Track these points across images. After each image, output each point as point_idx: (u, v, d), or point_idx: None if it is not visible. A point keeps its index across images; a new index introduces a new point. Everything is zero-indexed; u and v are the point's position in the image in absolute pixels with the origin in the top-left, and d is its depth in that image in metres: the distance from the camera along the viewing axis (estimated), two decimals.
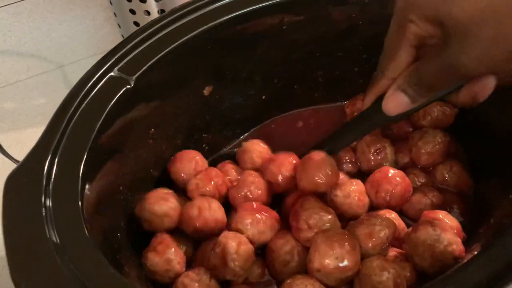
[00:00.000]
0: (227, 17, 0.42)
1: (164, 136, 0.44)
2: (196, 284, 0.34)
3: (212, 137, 0.49)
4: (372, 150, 0.44)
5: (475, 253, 0.27)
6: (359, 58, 0.49)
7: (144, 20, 0.60)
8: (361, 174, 0.45)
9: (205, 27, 0.42)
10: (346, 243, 0.32)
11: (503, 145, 0.39)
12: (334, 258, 0.32)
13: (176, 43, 0.40)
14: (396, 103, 0.33)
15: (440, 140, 0.43)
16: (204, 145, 0.49)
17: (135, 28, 0.62)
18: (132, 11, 0.59)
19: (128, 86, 0.37)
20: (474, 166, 0.43)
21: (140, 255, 0.36)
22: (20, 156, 0.48)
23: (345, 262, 0.32)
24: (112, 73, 0.38)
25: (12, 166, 0.47)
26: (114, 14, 0.64)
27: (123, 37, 0.67)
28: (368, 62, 0.49)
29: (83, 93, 0.36)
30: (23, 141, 0.65)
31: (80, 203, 0.30)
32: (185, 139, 0.47)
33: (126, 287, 0.26)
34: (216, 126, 0.49)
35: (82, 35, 0.74)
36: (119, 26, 0.65)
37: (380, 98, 0.35)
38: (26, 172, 0.31)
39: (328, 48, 0.48)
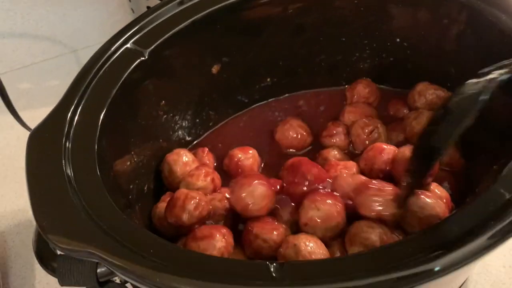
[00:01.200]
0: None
1: (173, 109, 0.47)
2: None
3: (218, 115, 0.52)
4: (366, 131, 0.47)
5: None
6: (360, 43, 0.52)
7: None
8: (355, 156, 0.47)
9: (216, 6, 0.44)
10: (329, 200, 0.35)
11: (492, 125, 0.41)
12: (316, 210, 0.35)
13: (188, 21, 0.43)
14: None
15: None
16: (210, 123, 0.52)
17: None
18: None
19: (143, 58, 0.40)
20: (465, 145, 0.45)
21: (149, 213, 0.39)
22: None
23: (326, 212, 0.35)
24: (128, 45, 0.40)
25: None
26: None
27: None
28: (370, 47, 0.52)
29: (101, 61, 0.39)
30: (37, 120, 0.67)
31: (96, 146, 0.33)
32: (192, 115, 0.49)
33: (123, 220, 0.29)
34: (222, 104, 0.52)
35: (95, 20, 0.77)
36: (133, 11, 0.68)
37: None
38: (49, 125, 0.34)
39: (330, 33, 0.50)
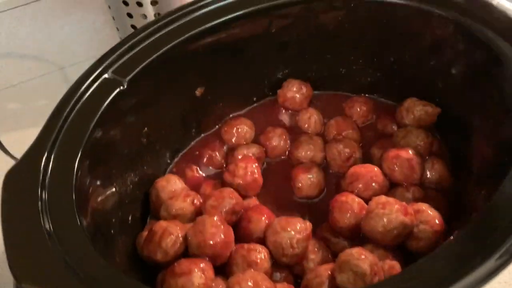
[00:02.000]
0: (217, 21, 0.44)
1: (157, 134, 0.46)
2: None
3: (201, 130, 0.51)
4: (343, 157, 0.46)
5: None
6: (346, 59, 0.51)
7: (141, 23, 0.62)
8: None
9: (196, 30, 0.44)
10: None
11: (482, 145, 0.41)
12: None
13: (168, 46, 0.42)
14: None
15: (421, 142, 0.44)
16: (194, 142, 0.51)
17: (133, 31, 0.64)
18: (130, 15, 0.61)
19: (122, 87, 0.39)
20: (455, 164, 0.45)
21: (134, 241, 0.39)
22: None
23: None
24: (106, 75, 0.40)
25: (10, 163, 0.49)
26: (113, 17, 0.66)
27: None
28: (355, 63, 0.51)
29: (78, 93, 0.38)
30: (25, 141, 0.66)
31: (73, 196, 0.32)
32: (178, 137, 0.49)
33: (111, 271, 0.28)
34: (207, 123, 0.51)
35: (82, 37, 0.77)
36: (118, 29, 0.67)
37: None
38: (25, 167, 0.34)
39: (315, 49, 0.50)
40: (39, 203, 0.31)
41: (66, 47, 0.77)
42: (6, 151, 0.49)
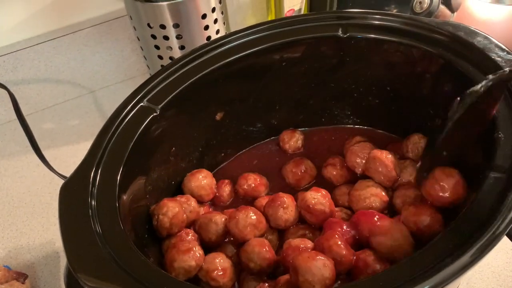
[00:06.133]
0: (235, 56, 0.51)
1: (183, 153, 0.53)
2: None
3: (223, 154, 0.58)
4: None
5: None
6: (348, 88, 0.57)
7: (166, 54, 0.70)
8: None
9: (217, 64, 0.51)
10: None
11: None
12: None
13: (194, 78, 0.50)
14: None
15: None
16: (215, 162, 0.58)
17: (159, 60, 0.71)
18: (157, 47, 0.69)
19: (155, 114, 0.46)
20: None
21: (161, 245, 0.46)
22: (58, 169, 0.58)
23: None
24: (142, 103, 0.47)
25: (53, 177, 0.56)
26: (141, 48, 0.73)
27: (148, 67, 0.77)
28: (357, 91, 0.57)
29: (120, 119, 0.45)
30: (60, 157, 0.74)
31: (117, 204, 0.39)
32: (199, 156, 0.56)
33: (147, 265, 0.35)
34: (227, 145, 0.58)
35: (111, 64, 0.85)
36: (145, 58, 0.75)
37: None
38: (76, 181, 0.40)
39: (320, 80, 0.56)
40: (90, 210, 0.38)
41: (97, 72, 0.85)
42: (51, 168, 0.56)
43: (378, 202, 0.47)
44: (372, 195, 0.47)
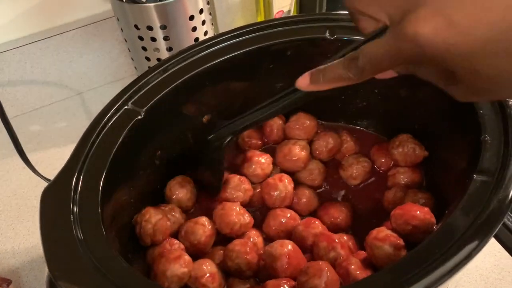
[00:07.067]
0: (222, 58, 0.51)
1: (169, 157, 0.52)
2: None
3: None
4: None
5: None
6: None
7: (154, 56, 0.69)
8: None
9: (204, 66, 0.50)
10: None
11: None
12: None
13: (180, 80, 0.49)
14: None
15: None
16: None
17: (147, 61, 0.71)
18: (144, 48, 0.68)
19: (139, 117, 0.46)
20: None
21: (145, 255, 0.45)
22: (45, 172, 0.57)
23: None
24: (126, 106, 0.46)
25: (39, 180, 0.55)
26: (128, 49, 0.73)
27: (136, 69, 0.76)
28: (344, 95, 0.57)
29: (103, 122, 0.44)
30: (47, 160, 0.73)
31: (99, 210, 0.38)
32: (185, 160, 0.55)
33: (130, 273, 0.34)
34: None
35: (99, 65, 0.84)
36: (132, 59, 0.74)
37: None
38: (58, 186, 0.40)
39: None
40: (71, 215, 0.38)
41: (84, 74, 0.84)
42: (35, 171, 0.55)
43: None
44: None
